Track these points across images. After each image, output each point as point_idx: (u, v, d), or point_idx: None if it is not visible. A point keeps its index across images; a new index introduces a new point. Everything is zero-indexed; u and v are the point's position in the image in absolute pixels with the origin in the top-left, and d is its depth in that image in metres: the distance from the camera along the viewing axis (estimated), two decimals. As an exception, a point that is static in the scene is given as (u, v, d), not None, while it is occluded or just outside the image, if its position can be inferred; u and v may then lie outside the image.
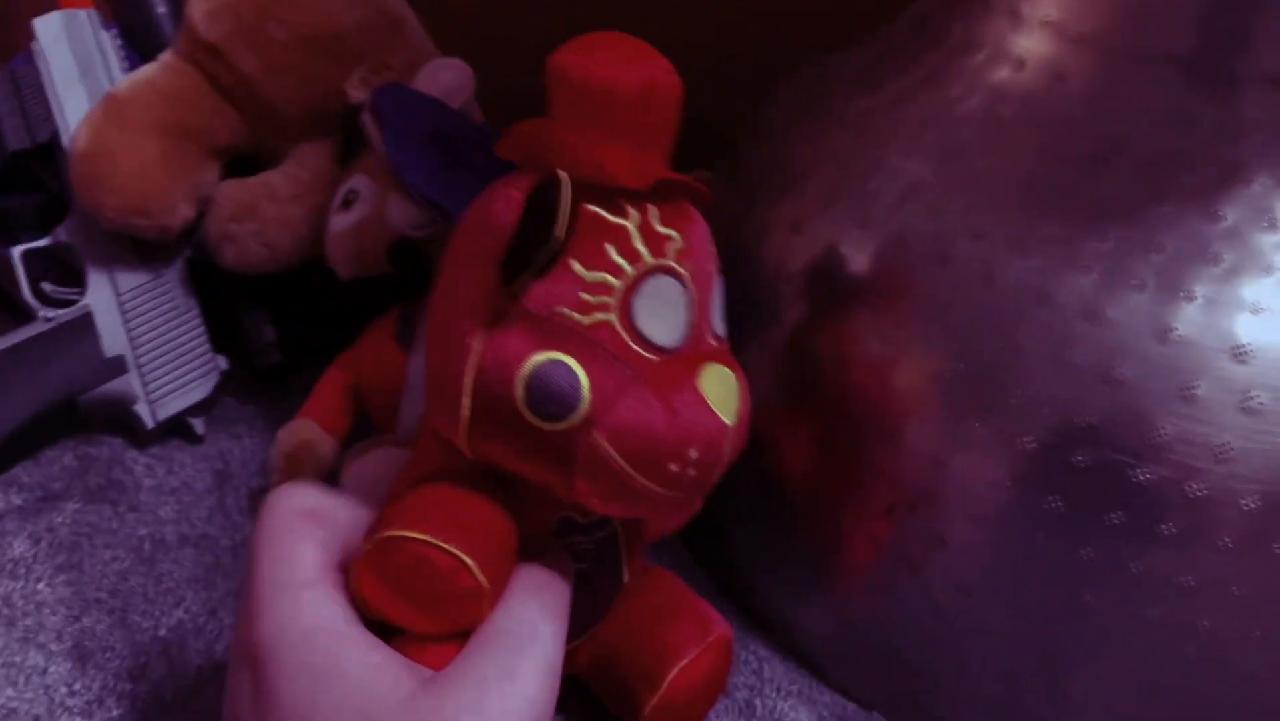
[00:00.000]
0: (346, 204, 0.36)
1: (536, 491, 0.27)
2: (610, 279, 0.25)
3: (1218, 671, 0.29)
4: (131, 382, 0.41)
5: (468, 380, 0.25)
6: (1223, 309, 0.27)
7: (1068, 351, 0.28)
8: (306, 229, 0.40)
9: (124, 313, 0.41)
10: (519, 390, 0.25)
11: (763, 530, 0.36)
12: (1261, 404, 0.27)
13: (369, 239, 0.35)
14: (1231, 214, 0.28)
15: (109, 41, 0.43)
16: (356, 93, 0.38)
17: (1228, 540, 0.27)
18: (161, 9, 0.44)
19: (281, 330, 0.44)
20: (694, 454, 0.25)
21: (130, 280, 0.41)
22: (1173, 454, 0.27)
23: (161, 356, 0.42)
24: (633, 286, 0.25)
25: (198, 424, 0.43)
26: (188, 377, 0.42)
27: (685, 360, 0.25)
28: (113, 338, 0.41)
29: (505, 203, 0.25)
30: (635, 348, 0.25)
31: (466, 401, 0.25)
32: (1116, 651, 0.30)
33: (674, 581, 0.33)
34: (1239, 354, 0.27)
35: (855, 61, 0.37)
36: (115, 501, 0.39)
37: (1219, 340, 0.27)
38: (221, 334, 0.44)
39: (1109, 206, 0.29)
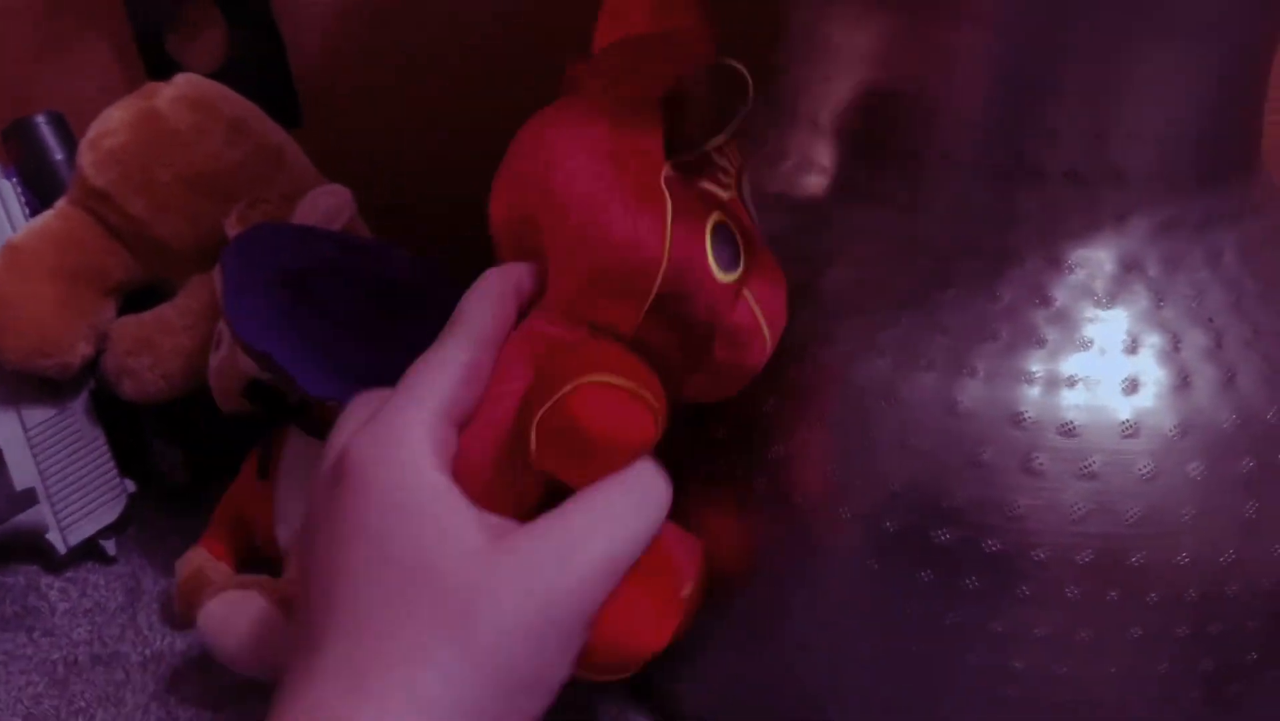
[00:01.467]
0: (216, 344, 0.39)
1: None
2: (727, 161, 0.31)
3: (1037, 708, 0.32)
4: (43, 512, 0.43)
5: (664, 248, 0.28)
6: (1002, 380, 0.31)
7: (869, 428, 0.31)
8: (201, 358, 0.42)
9: (32, 446, 0.43)
10: (708, 244, 0.28)
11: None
12: (1041, 464, 0.30)
13: (226, 379, 0.38)
14: (1008, 294, 0.32)
15: (9, 189, 0.46)
16: (234, 229, 0.41)
17: (1025, 589, 0.30)
18: (59, 156, 0.47)
19: (188, 448, 0.46)
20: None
21: (37, 415, 0.44)
22: (968, 515, 0.30)
23: (71, 485, 0.44)
24: (740, 169, 0.31)
25: (109, 545, 0.45)
26: (97, 502, 0.44)
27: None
28: (22, 471, 0.43)
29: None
30: (753, 221, 0.31)
31: (659, 275, 0.28)
32: (947, 695, 0.32)
33: None
34: (1018, 420, 0.30)
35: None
36: (30, 627, 0.41)
37: (1000, 409, 0.30)
38: (129, 456, 0.46)
39: (902, 296, 0.32)
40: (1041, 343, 0.31)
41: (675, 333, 0.29)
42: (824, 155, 0.35)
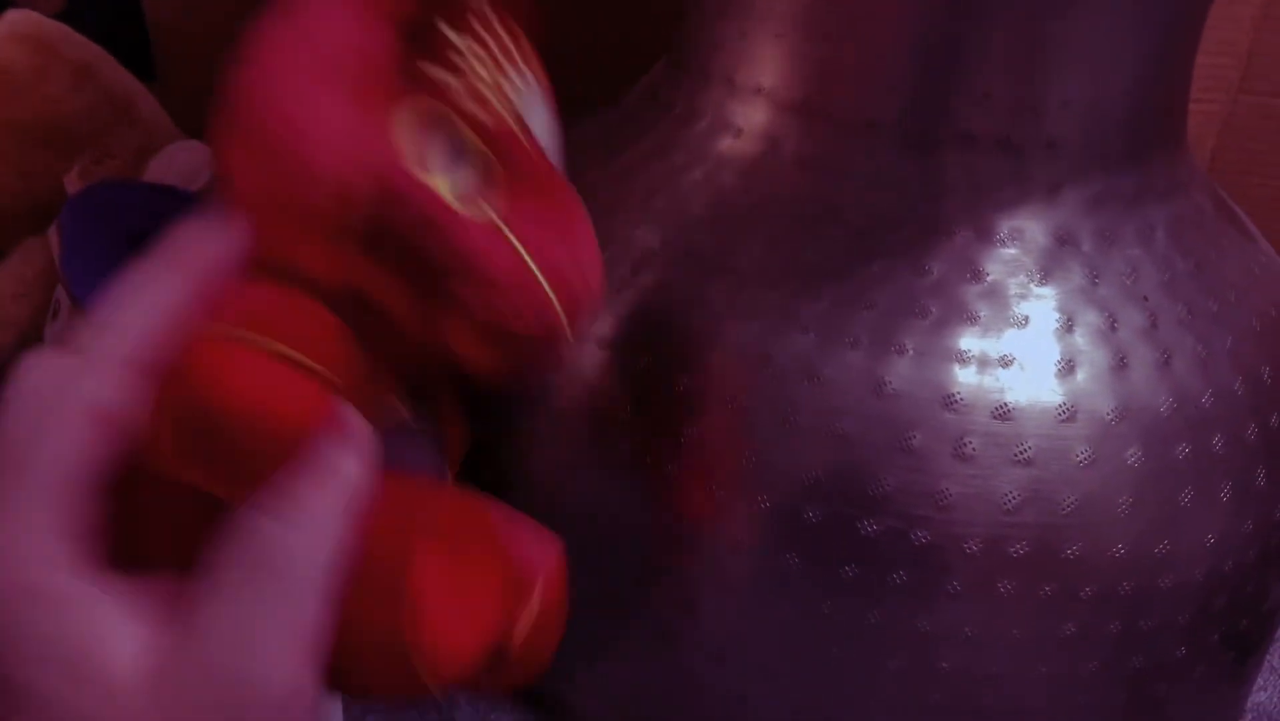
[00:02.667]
0: (54, 314, 0.35)
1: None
2: (484, 48, 0.23)
3: (960, 713, 0.30)
4: None
5: (342, 145, 0.20)
6: (932, 359, 0.28)
7: (789, 410, 0.28)
8: (32, 328, 0.37)
9: None
10: (401, 139, 0.21)
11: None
12: (973, 449, 0.28)
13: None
14: (937, 268, 0.29)
15: None
16: (75, 186, 0.36)
17: (956, 584, 0.28)
18: None
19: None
20: None
21: None
22: (896, 504, 0.28)
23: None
24: (516, 66, 0.24)
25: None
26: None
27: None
28: None
29: None
30: (532, 152, 0.24)
31: (337, 186, 0.20)
32: (866, 703, 0.30)
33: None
34: (949, 402, 0.28)
35: (591, 133, 0.37)
36: None
37: (931, 390, 0.28)
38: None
39: (823, 268, 0.30)
40: (973, 319, 0.29)
41: (406, 279, 0.21)
42: (739, 117, 0.32)
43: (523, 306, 0.22)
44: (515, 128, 0.23)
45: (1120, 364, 0.29)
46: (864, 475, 0.28)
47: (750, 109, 0.32)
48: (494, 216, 0.22)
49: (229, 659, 0.19)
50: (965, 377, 0.28)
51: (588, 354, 0.31)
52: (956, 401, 0.28)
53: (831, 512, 0.28)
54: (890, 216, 0.30)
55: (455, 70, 0.23)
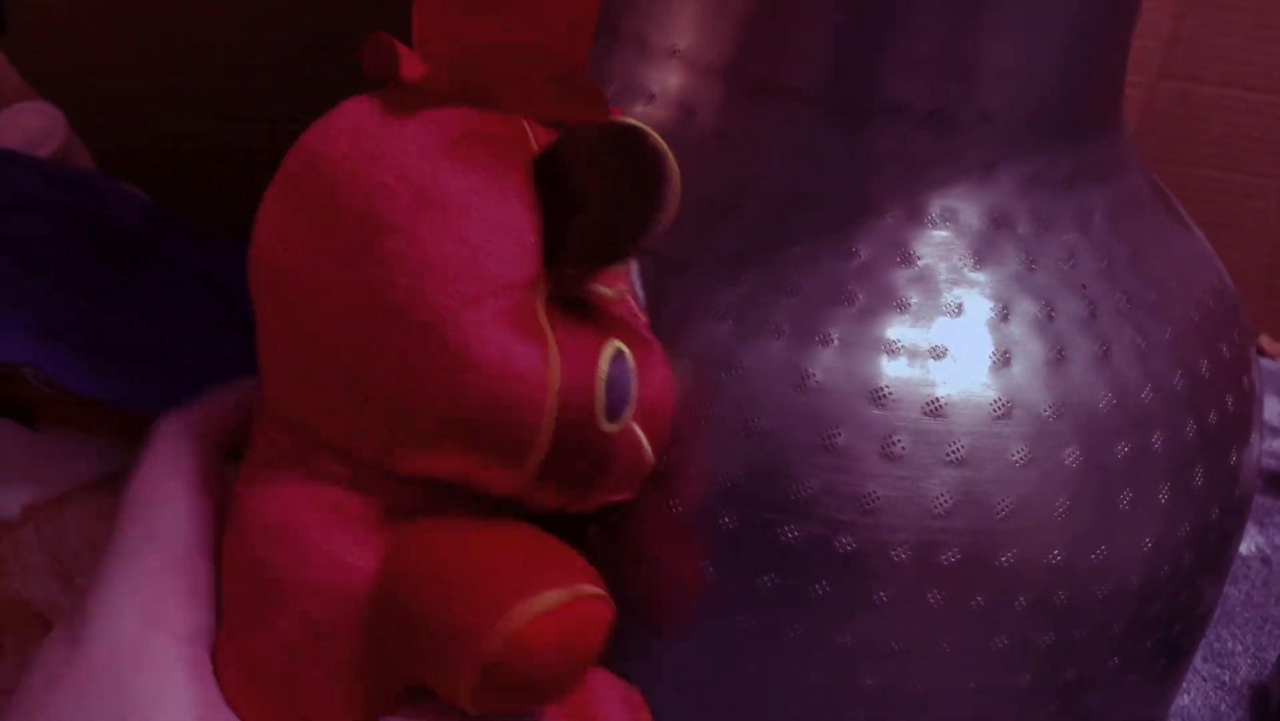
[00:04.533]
0: None
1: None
2: None
3: (886, 731, 0.28)
4: None
5: (548, 400, 0.20)
6: (859, 350, 0.26)
7: (705, 404, 0.26)
8: None
9: None
10: (600, 396, 0.21)
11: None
12: (903, 448, 0.25)
13: None
14: (865, 250, 0.27)
15: None
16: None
17: (882, 595, 0.26)
18: None
19: None
20: None
21: None
22: (819, 508, 0.25)
23: None
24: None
25: None
26: None
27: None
28: None
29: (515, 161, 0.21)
30: (640, 315, 0.23)
31: (547, 427, 0.20)
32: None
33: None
34: (878, 397, 0.26)
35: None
36: None
37: (857, 384, 0.26)
38: None
39: (742, 250, 0.27)
40: (903, 307, 0.26)
41: (553, 479, 0.22)
42: (652, 82, 0.30)
43: (636, 480, 0.24)
44: (642, 307, 0.25)
45: (1058, 356, 0.27)
46: (784, 476, 0.26)
47: (664, 73, 0.29)
48: (634, 425, 0.23)
49: None
50: (894, 370, 0.26)
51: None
52: (885, 396, 0.26)
53: (749, 517, 0.26)
54: (815, 194, 0.28)
55: (613, 280, 0.23)
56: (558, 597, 0.20)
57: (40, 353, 0.26)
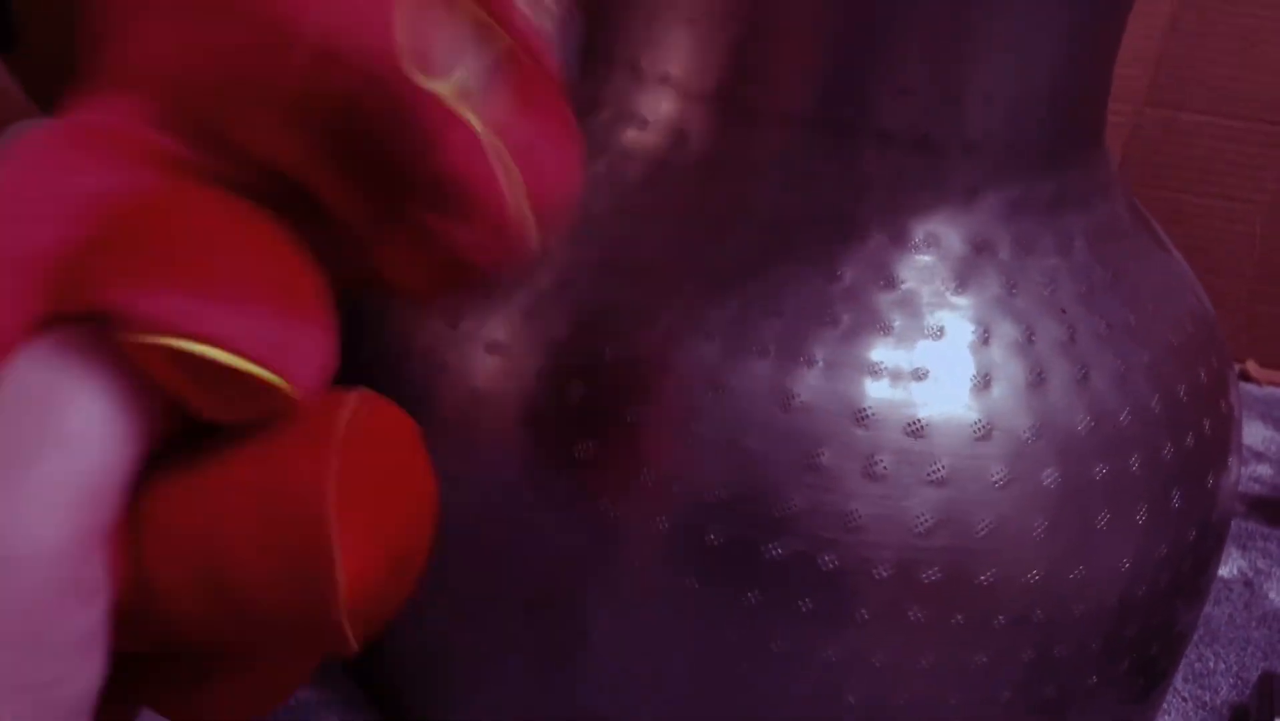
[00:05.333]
0: None
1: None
2: None
3: (867, 746, 0.28)
4: None
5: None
6: (843, 371, 0.27)
7: (692, 422, 0.26)
8: None
9: None
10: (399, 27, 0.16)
11: (414, 631, 0.32)
12: (885, 468, 0.26)
13: None
14: (849, 273, 0.28)
15: None
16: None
17: (864, 612, 0.26)
18: None
19: None
20: None
21: None
22: (803, 526, 0.26)
23: None
24: None
25: None
26: None
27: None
28: None
29: None
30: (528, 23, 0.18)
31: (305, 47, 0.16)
32: (768, 736, 0.28)
33: None
34: (861, 418, 0.26)
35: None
36: None
37: (841, 404, 0.26)
38: None
39: (730, 271, 0.28)
40: (886, 329, 0.27)
41: (347, 162, 0.17)
42: (644, 107, 0.30)
43: (494, 245, 0.18)
44: (533, 26, 0.18)
45: (1038, 379, 0.27)
46: (769, 494, 0.26)
47: (656, 98, 0.30)
48: (475, 117, 0.17)
49: None
50: (877, 391, 0.26)
51: (475, 359, 0.29)
52: (868, 417, 0.26)
53: (734, 534, 0.26)
54: (802, 216, 0.28)
55: None
56: (194, 348, 0.16)
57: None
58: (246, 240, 0.17)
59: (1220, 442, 0.31)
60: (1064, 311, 0.28)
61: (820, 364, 0.26)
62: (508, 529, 0.29)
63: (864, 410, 0.26)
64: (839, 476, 0.26)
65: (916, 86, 0.28)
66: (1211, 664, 0.40)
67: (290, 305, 0.17)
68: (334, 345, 0.17)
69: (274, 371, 0.16)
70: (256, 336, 0.16)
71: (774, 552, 0.26)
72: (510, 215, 0.18)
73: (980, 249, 0.28)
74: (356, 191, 0.18)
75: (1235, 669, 0.40)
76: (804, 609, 0.26)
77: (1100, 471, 0.27)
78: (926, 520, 0.26)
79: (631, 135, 0.30)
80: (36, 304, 0.16)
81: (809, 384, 0.26)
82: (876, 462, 0.26)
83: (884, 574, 0.26)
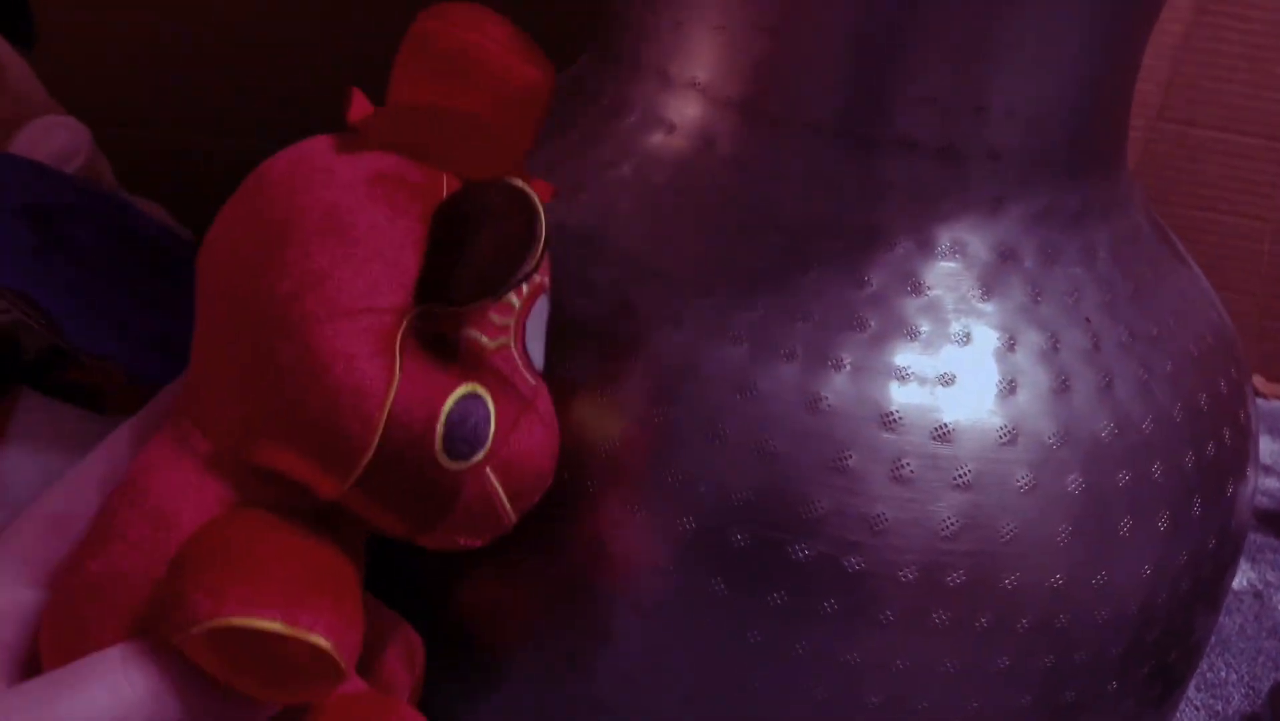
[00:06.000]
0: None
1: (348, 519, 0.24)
2: (514, 298, 0.24)
3: (889, 749, 0.28)
4: None
5: (379, 418, 0.22)
6: (870, 376, 0.27)
7: (719, 424, 0.27)
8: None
9: None
10: (440, 429, 0.22)
11: (423, 627, 0.33)
12: (912, 471, 0.26)
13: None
14: (876, 279, 0.28)
15: None
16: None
17: (889, 614, 0.27)
18: None
19: None
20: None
21: None
22: (829, 528, 0.26)
23: None
24: (527, 306, 0.24)
25: None
26: None
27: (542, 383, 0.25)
28: None
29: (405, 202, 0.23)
30: (525, 373, 0.24)
31: (375, 442, 0.22)
32: (789, 738, 0.28)
33: None
34: (888, 421, 0.26)
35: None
36: None
37: (868, 408, 0.27)
38: None
39: (757, 275, 0.28)
40: (913, 335, 0.27)
41: (385, 501, 0.23)
42: (672, 112, 0.30)
43: (484, 531, 0.25)
44: (529, 363, 0.25)
45: (1062, 386, 0.27)
46: (795, 496, 0.26)
47: (684, 103, 0.30)
48: (490, 474, 0.24)
49: None
50: (904, 396, 0.27)
51: (503, 358, 0.29)
52: (894, 420, 0.26)
53: (760, 536, 0.26)
54: (828, 223, 0.29)
55: (497, 329, 0.24)
56: (263, 625, 0.20)
57: (121, 348, 0.28)
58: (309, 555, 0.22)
59: (1239, 453, 0.31)
60: (1088, 320, 0.28)
61: (847, 368, 0.27)
62: (532, 527, 0.29)
63: (891, 414, 0.26)
64: (865, 479, 0.26)
65: (940, 98, 0.28)
66: (1224, 674, 0.41)
67: (338, 604, 0.21)
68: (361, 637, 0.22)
69: (338, 656, 0.21)
70: (327, 626, 0.21)
71: (799, 554, 0.26)
72: (508, 520, 0.25)
73: (1005, 257, 0.28)
74: (399, 524, 0.24)
75: (1247, 679, 0.40)
76: (828, 610, 0.26)
77: (1123, 478, 0.27)
78: (952, 524, 0.26)
79: (659, 139, 0.30)
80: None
81: (836, 387, 0.27)
82: (903, 466, 0.26)
83: (909, 576, 0.26)
